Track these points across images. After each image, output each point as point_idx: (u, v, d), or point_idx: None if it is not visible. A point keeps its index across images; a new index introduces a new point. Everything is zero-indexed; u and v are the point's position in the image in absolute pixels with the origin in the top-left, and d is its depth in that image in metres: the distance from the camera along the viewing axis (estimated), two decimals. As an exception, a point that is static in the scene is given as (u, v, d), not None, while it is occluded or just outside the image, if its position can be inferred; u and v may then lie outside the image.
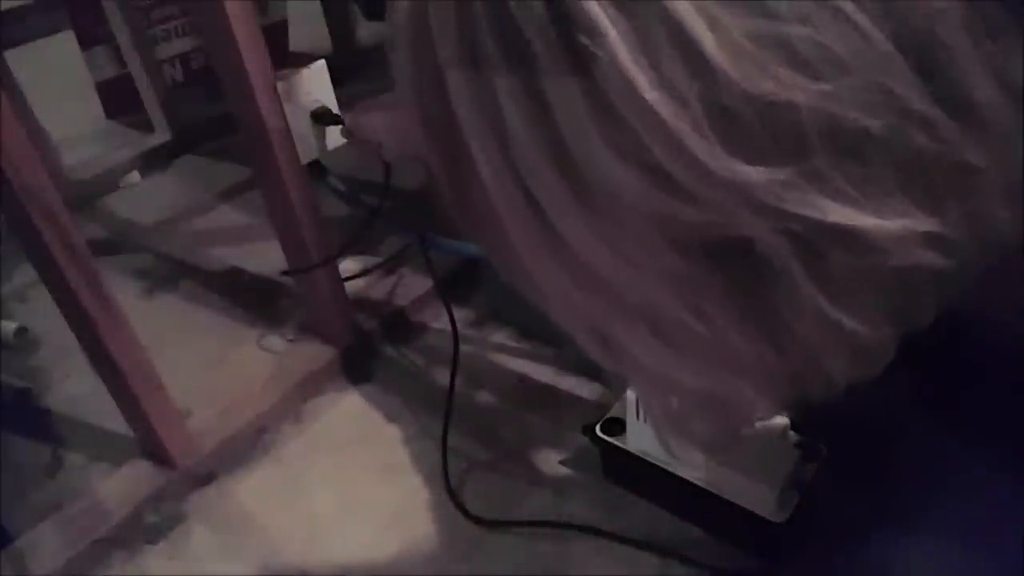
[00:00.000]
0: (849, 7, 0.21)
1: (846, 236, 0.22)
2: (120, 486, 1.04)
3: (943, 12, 0.20)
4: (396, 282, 1.35)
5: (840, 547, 0.30)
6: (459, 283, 1.31)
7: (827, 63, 0.21)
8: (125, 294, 1.36)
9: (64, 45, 2.03)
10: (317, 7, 2.18)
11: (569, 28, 0.22)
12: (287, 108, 1.01)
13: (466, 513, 0.97)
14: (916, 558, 0.28)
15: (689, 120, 0.22)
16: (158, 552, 0.99)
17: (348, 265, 1.39)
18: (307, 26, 2.25)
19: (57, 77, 2.04)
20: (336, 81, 1.07)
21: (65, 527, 0.99)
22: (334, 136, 1.08)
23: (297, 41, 2.24)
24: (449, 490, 1.00)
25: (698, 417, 0.29)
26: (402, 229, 1.29)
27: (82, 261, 0.89)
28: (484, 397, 1.14)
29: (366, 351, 1.24)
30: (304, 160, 1.06)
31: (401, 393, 1.17)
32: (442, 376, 1.18)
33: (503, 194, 0.26)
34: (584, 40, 0.22)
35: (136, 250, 1.62)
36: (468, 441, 1.07)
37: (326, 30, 2.21)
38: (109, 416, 1.08)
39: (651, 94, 0.22)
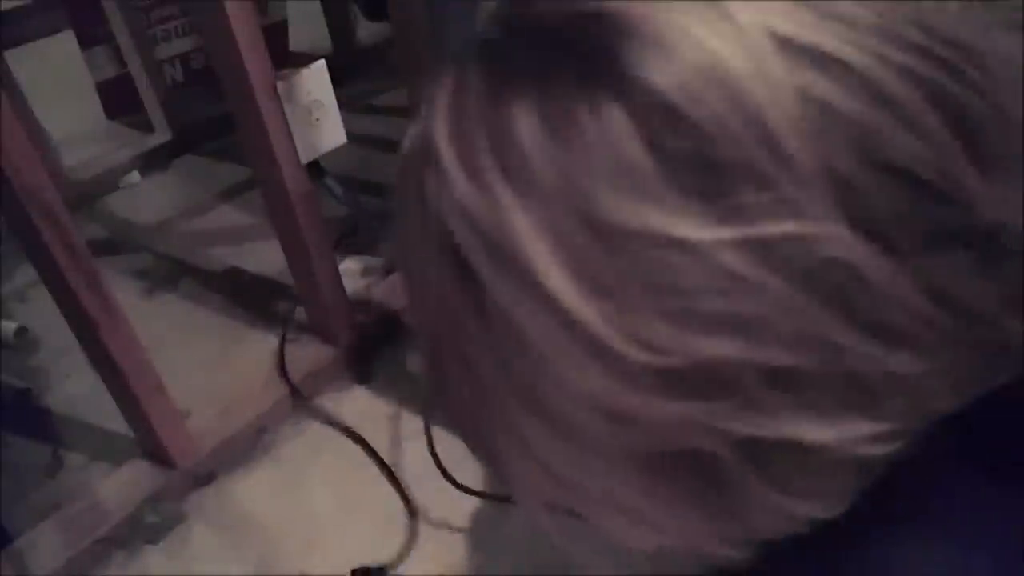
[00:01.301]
0: (753, 273, 0.21)
1: (793, 444, 0.23)
2: (120, 486, 1.04)
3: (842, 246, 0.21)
4: (396, 282, 1.35)
5: (840, 547, 0.30)
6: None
7: (743, 322, 0.22)
8: (125, 294, 1.36)
9: (64, 45, 2.03)
10: (317, 7, 2.19)
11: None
12: (287, 108, 1.01)
13: (457, 484, 0.97)
14: (916, 557, 0.28)
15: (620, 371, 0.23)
16: (158, 552, 0.99)
17: (348, 265, 1.39)
18: (307, 26, 2.25)
19: (57, 77, 2.04)
20: (336, 81, 1.07)
21: (65, 527, 1.00)
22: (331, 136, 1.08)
23: (297, 41, 2.24)
24: (444, 473, 1.00)
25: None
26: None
27: (82, 261, 0.89)
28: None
29: (366, 351, 1.24)
30: (304, 160, 1.06)
31: (401, 393, 1.17)
32: (442, 376, 1.18)
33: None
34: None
35: (136, 250, 1.62)
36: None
37: (326, 30, 2.21)
38: (109, 416, 1.08)
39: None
